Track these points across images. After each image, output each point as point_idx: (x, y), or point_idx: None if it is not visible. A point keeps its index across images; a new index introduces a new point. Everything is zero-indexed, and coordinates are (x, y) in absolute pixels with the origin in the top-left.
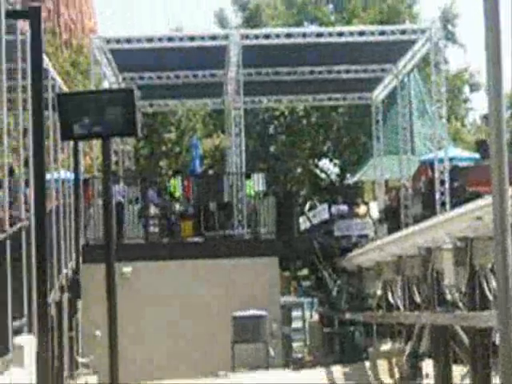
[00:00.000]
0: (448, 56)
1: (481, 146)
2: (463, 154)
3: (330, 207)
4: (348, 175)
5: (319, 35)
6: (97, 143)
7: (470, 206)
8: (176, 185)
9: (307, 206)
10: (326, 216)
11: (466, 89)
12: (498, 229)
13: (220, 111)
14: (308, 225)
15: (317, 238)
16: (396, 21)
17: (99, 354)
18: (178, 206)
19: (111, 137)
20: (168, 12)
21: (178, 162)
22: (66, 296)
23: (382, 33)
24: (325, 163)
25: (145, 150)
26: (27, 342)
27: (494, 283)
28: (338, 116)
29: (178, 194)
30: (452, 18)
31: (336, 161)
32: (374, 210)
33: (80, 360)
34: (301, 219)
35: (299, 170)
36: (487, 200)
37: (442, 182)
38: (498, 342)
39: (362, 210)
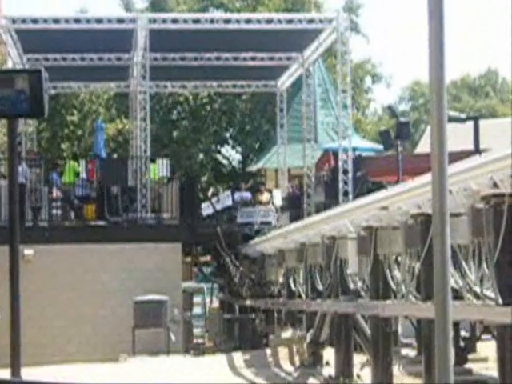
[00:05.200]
0: (351, 46)
1: (384, 137)
2: (366, 144)
3: (233, 194)
4: (250, 162)
5: (227, 21)
6: None
7: (375, 195)
8: (72, 168)
9: (210, 193)
10: (229, 202)
11: (368, 79)
12: (436, 218)
13: (123, 95)
14: (211, 211)
15: (220, 225)
16: (300, 9)
17: None
18: (80, 190)
19: (18, 117)
20: None
21: (80, 145)
22: None
23: (290, 21)
24: (227, 150)
25: (46, 132)
26: None
27: (397, 273)
28: (242, 103)
29: (72, 178)
30: (355, 8)
31: (238, 148)
32: (278, 197)
33: None
34: (203, 205)
35: (202, 156)
36: (392, 190)
37: (346, 172)
38: (400, 331)
39: (264, 197)
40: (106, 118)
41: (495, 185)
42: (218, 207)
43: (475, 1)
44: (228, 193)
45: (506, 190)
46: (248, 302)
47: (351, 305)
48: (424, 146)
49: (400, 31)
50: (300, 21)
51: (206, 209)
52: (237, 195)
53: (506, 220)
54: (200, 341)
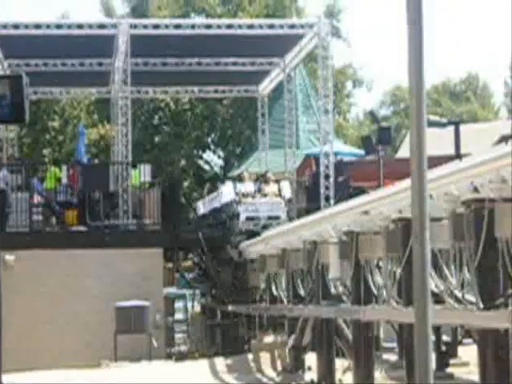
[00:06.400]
0: (332, 51)
1: (365, 142)
2: (348, 149)
3: (235, 186)
4: (232, 167)
5: (208, 27)
6: None
7: (357, 200)
8: (54, 174)
9: (205, 190)
10: (231, 196)
11: (349, 84)
12: (416, 223)
13: (105, 101)
14: (207, 210)
15: (202, 230)
16: (281, 15)
17: None
18: (61, 195)
19: None
20: None
21: (61, 151)
22: None
23: (271, 26)
24: (209, 155)
25: (28, 137)
26: None
27: (378, 277)
28: (223, 108)
29: (53, 183)
30: (336, 13)
31: (220, 153)
32: (287, 188)
33: None
34: (198, 204)
35: (183, 161)
36: (373, 195)
37: (327, 176)
38: (382, 336)
39: (271, 188)
40: (87, 124)
41: (476, 190)
42: (222, 201)
43: (456, 6)
44: (229, 184)
45: (486, 194)
46: (230, 308)
47: (333, 310)
48: (405, 151)
49: (381, 36)
50: (281, 26)
51: (202, 207)
52: (239, 187)
53: (487, 225)
54: (182, 346)
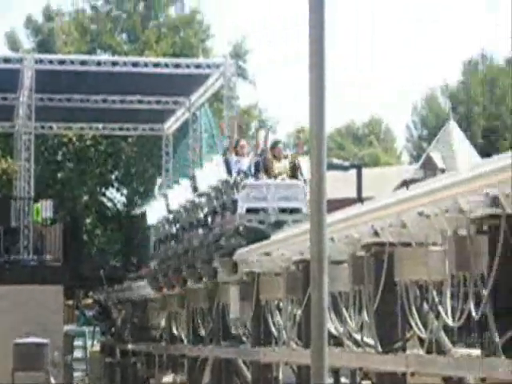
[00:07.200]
0: (238, 91)
1: None
2: None
3: (227, 162)
4: (135, 206)
5: (114, 64)
6: None
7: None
8: None
9: (157, 187)
10: (220, 175)
11: (254, 125)
12: (314, 265)
13: (8, 135)
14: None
15: (104, 267)
16: (189, 54)
17: None
18: None
19: None
20: None
21: None
22: None
23: (177, 65)
24: (112, 192)
25: None
26: None
27: (279, 318)
28: (128, 146)
29: None
30: (243, 53)
31: (124, 191)
32: (305, 167)
33: None
34: (172, 193)
35: (86, 197)
36: (275, 236)
37: None
38: (280, 377)
39: (283, 166)
40: None
41: (376, 233)
42: (204, 184)
43: (360, 47)
44: (219, 158)
45: (386, 238)
46: (130, 346)
47: (232, 350)
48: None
49: (287, 77)
50: (187, 65)
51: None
52: (234, 163)
53: (386, 268)
54: None
